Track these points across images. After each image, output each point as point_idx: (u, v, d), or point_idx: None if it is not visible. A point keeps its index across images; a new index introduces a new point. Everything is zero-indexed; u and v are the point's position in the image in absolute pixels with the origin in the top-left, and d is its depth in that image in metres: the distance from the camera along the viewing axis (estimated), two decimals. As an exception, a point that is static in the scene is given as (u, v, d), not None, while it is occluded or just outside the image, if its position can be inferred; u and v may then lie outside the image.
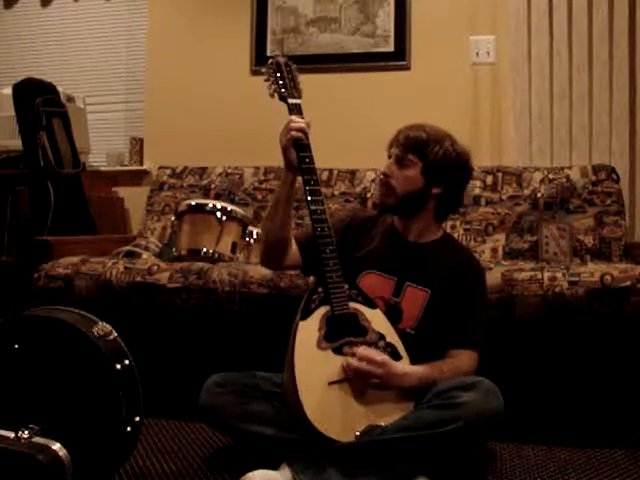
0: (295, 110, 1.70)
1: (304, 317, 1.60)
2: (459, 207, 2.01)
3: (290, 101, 1.71)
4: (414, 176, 1.73)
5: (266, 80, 1.73)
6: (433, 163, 1.72)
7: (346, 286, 1.64)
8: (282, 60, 1.76)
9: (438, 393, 1.53)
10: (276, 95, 1.72)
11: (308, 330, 1.59)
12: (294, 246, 1.80)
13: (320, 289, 1.62)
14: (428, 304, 1.71)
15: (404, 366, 1.61)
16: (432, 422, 1.47)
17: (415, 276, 1.73)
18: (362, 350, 1.58)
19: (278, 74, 1.73)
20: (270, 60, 1.76)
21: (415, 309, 1.71)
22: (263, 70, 1.76)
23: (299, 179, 1.72)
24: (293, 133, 1.65)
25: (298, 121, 1.67)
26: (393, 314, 1.70)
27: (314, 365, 1.56)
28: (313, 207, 1.65)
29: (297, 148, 1.67)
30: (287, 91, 1.72)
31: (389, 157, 1.79)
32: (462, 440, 1.48)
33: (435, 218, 1.80)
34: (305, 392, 1.52)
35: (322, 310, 1.62)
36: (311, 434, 1.50)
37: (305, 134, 1.67)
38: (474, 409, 1.46)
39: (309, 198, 1.66)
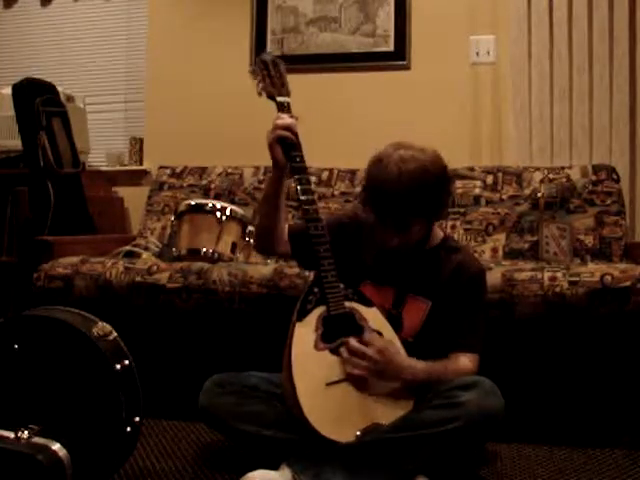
0: (283, 108, 1.68)
1: (300, 318, 1.60)
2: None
3: (278, 99, 1.69)
4: (421, 228, 1.66)
5: (254, 79, 1.72)
6: (432, 209, 1.64)
7: (342, 285, 1.62)
8: (269, 58, 1.74)
9: (438, 392, 1.53)
10: (264, 93, 1.70)
11: (305, 331, 1.59)
12: (286, 235, 1.77)
13: (316, 289, 1.61)
14: (429, 315, 1.68)
15: (406, 358, 1.59)
16: (432, 422, 1.48)
17: (416, 286, 1.70)
18: (367, 335, 1.57)
19: (266, 72, 1.72)
20: (257, 58, 1.75)
21: (416, 320, 1.69)
22: (250, 69, 1.74)
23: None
24: (278, 131, 1.63)
25: (284, 118, 1.65)
26: (393, 325, 1.68)
27: (311, 367, 1.55)
28: (305, 207, 1.63)
29: (287, 147, 1.65)
30: (275, 89, 1.70)
31: (378, 217, 1.64)
32: (462, 439, 1.48)
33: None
34: (303, 395, 1.52)
35: (318, 310, 1.61)
36: (312, 436, 1.50)
37: (294, 133, 1.64)
38: (474, 408, 1.46)
39: (301, 197, 1.64)
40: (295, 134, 1.65)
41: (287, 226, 1.78)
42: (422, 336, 1.69)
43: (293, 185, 1.66)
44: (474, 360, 1.65)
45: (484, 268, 1.82)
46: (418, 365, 1.59)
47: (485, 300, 1.79)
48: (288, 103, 1.70)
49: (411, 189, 1.55)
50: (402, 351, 1.62)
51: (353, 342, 1.56)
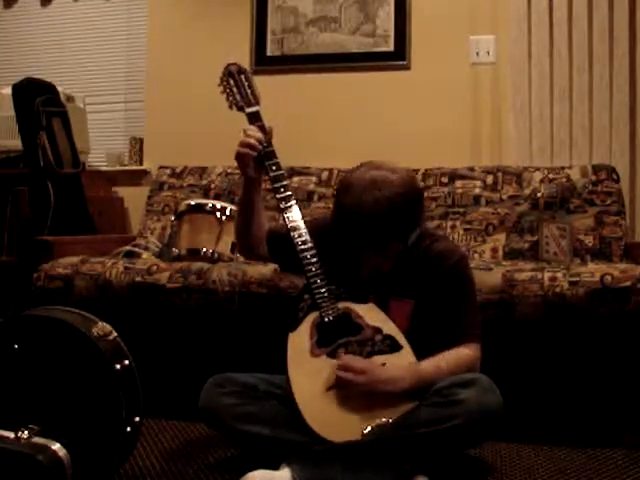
0: (252, 118, 1.72)
1: (293, 328, 1.61)
2: None
3: (247, 111, 1.73)
4: (397, 247, 1.64)
5: (222, 92, 1.76)
6: (408, 230, 1.62)
7: (333, 287, 1.62)
8: (234, 68, 1.78)
9: (437, 391, 1.52)
10: (234, 107, 1.74)
11: (299, 340, 1.59)
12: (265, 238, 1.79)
13: (306, 296, 1.62)
14: (414, 313, 1.66)
15: (392, 372, 1.56)
16: (431, 420, 1.47)
17: (397, 288, 1.68)
18: (344, 358, 1.56)
19: (233, 83, 1.76)
20: (224, 70, 1.78)
21: (402, 322, 1.66)
22: (217, 83, 1.78)
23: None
24: (237, 149, 1.66)
25: (248, 134, 1.68)
26: None
27: (310, 374, 1.56)
28: (287, 215, 1.65)
29: (261, 157, 1.67)
30: (243, 100, 1.74)
31: (350, 242, 1.62)
32: (461, 437, 1.48)
33: None
34: (305, 405, 1.52)
35: (311, 317, 1.61)
36: (316, 439, 1.50)
37: (268, 141, 1.68)
38: (474, 406, 1.46)
39: (281, 206, 1.65)
40: (267, 142, 1.68)
41: (267, 229, 1.79)
42: (411, 336, 1.64)
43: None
44: (475, 348, 1.62)
45: (465, 253, 1.77)
46: (407, 376, 1.55)
47: (473, 284, 1.73)
48: (257, 112, 1.73)
49: (385, 217, 1.53)
50: (405, 351, 1.60)
51: (337, 372, 1.54)
